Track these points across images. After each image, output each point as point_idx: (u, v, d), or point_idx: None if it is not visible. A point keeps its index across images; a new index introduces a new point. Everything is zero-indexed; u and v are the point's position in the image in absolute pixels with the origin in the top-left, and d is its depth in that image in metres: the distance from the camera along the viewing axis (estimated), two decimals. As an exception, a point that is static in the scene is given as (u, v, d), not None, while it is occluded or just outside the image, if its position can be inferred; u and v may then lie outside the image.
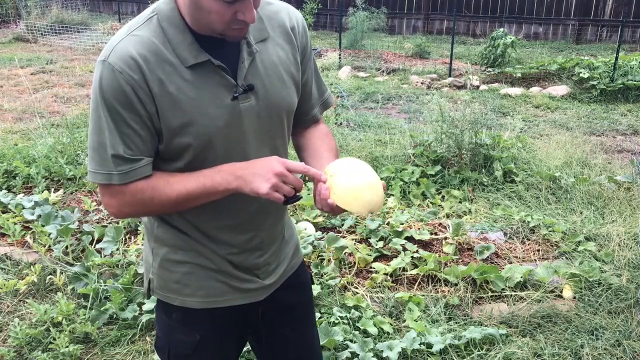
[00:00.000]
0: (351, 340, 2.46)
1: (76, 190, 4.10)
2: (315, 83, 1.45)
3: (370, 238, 3.33)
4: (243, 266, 1.36)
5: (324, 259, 3.11)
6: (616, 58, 7.46)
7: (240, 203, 1.29)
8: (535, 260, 3.25)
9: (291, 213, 3.63)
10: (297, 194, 1.21)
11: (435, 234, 3.48)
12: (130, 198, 1.21)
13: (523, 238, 3.48)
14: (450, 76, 8.35)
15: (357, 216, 3.53)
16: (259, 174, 1.17)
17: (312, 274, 2.96)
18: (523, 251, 3.35)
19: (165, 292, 1.36)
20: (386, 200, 3.85)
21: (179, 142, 1.20)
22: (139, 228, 3.44)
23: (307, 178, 1.71)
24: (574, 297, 2.87)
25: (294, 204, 1.44)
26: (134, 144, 1.17)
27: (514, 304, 2.81)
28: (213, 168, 1.21)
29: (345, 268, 3.09)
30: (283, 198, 1.18)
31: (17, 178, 4.15)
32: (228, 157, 1.22)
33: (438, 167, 4.31)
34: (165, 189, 1.21)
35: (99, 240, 3.28)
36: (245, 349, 2.32)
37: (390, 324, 2.63)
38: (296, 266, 1.51)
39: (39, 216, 3.49)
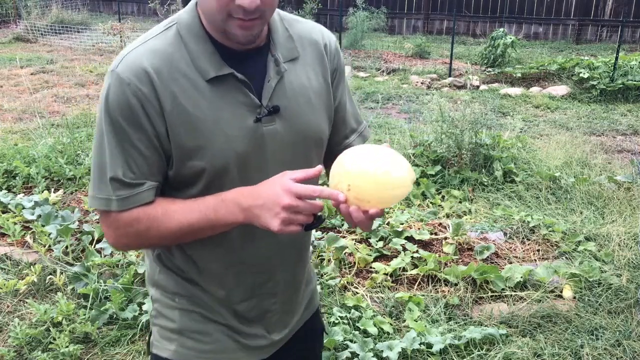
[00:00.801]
0: (351, 340, 2.46)
1: (76, 190, 4.10)
2: (350, 110, 1.31)
3: (370, 238, 3.33)
4: (250, 316, 1.21)
5: (324, 259, 3.11)
6: (616, 58, 7.46)
7: (251, 236, 1.14)
8: (535, 260, 3.25)
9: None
10: (319, 215, 1.04)
11: (435, 234, 3.48)
12: (125, 228, 1.06)
13: (523, 238, 3.48)
14: (450, 76, 8.35)
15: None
16: (267, 208, 1.00)
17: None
18: (523, 251, 3.35)
19: (162, 344, 1.21)
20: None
21: (192, 167, 1.06)
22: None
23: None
24: (574, 297, 2.87)
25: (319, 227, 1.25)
26: (136, 166, 1.04)
27: (514, 304, 2.81)
28: (217, 196, 1.05)
29: (345, 268, 3.09)
30: (300, 228, 1.01)
31: (17, 178, 4.15)
32: (247, 185, 1.07)
33: (438, 167, 4.31)
34: (164, 219, 1.06)
35: (99, 240, 3.28)
36: None
37: (390, 324, 2.63)
38: (310, 314, 1.35)
39: (39, 216, 3.49)
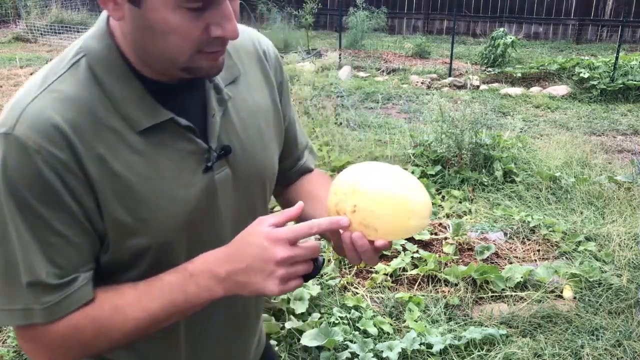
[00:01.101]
0: (351, 341, 2.46)
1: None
2: (298, 126, 1.13)
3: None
4: None
5: (324, 259, 3.11)
6: (616, 58, 7.45)
7: (207, 312, 0.90)
8: (536, 260, 3.24)
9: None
10: (318, 260, 0.86)
11: (436, 234, 3.47)
12: (60, 341, 0.80)
13: (523, 238, 3.47)
14: (450, 76, 8.35)
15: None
16: (255, 270, 0.79)
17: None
18: (523, 251, 3.34)
19: None
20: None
21: (133, 246, 0.82)
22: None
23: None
24: (574, 297, 2.87)
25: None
26: (62, 258, 0.78)
27: (514, 304, 2.81)
28: (179, 271, 0.82)
29: (345, 268, 3.09)
30: (301, 281, 0.83)
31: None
32: (199, 250, 0.85)
33: (438, 167, 4.31)
34: (115, 319, 0.81)
35: None
36: None
37: (390, 324, 2.62)
38: (260, 354, 1.17)
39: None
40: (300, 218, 0.87)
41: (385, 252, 3.21)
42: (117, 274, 0.86)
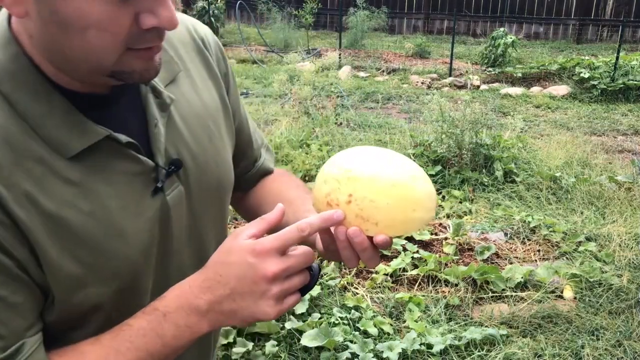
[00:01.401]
0: (351, 341, 2.45)
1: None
2: (251, 123, 0.99)
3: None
4: None
5: (323, 260, 3.10)
6: (617, 58, 7.45)
7: None
8: (536, 260, 3.24)
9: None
10: (313, 268, 0.74)
11: (436, 234, 3.47)
12: None
13: (524, 238, 3.47)
14: (450, 76, 8.34)
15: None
16: (244, 294, 0.66)
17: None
18: (523, 251, 3.34)
19: None
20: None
21: (83, 298, 0.68)
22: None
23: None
24: (575, 298, 2.87)
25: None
26: (3, 325, 0.63)
27: (514, 305, 2.81)
28: (149, 311, 0.69)
29: (345, 268, 3.09)
30: (300, 296, 0.72)
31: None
32: (159, 288, 0.73)
33: (438, 167, 4.30)
34: None
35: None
36: (244, 349, 2.31)
37: (391, 325, 2.62)
38: None
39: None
40: (277, 227, 0.73)
41: (384, 252, 3.21)
42: (71, 332, 0.70)
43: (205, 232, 0.83)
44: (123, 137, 0.69)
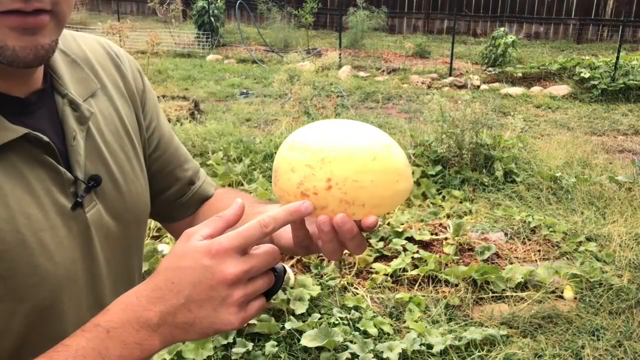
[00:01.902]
0: (351, 341, 2.45)
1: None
2: (181, 147, 0.93)
3: (370, 238, 3.32)
4: None
5: (323, 260, 3.10)
6: (617, 58, 7.45)
7: None
8: (536, 260, 3.24)
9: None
10: (277, 269, 0.64)
11: (436, 234, 3.47)
12: None
13: (524, 238, 3.47)
14: (450, 76, 8.34)
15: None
16: (201, 301, 0.57)
17: (313, 274, 2.96)
18: (524, 251, 3.34)
19: None
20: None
21: None
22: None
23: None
24: (575, 298, 2.86)
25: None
26: None
27: (514, 305, 2.80)
28: (90, 328, 0.58)
29: (345, 268, 3.08)
30: (264, 302, 0.63)
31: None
32: (79, 318, 0.64)
33: (438, 167, 4.30)
34: None
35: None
36: (243, 349, 2.31)
37: (391, 325, 2.62)
38: None
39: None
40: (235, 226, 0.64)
41: (385, 253, 3.20)
42: None
43: (123, 262, 0.76)
44: (44, 138, 0.63)
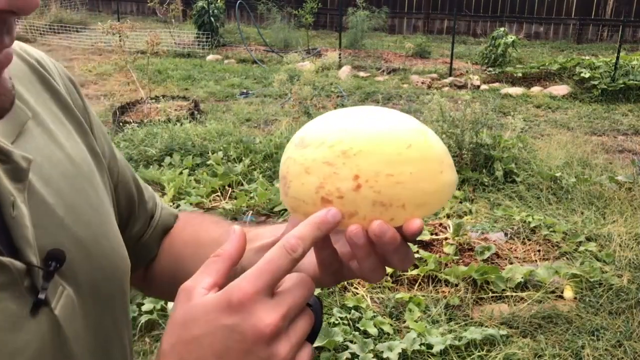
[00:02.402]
0: (351, 341, 2.45)
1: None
2: (130, 169, 0.73)
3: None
4: None
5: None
6: (617, 58, 7.44)
7: None
8: (536, 260, 3.24)
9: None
10: (311, 303, 0.51)
11: (436, 234, 3.47)
12: None
13: (524, 238, 3.47)
14: (450, 76, 8.34)
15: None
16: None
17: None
18: (524, 251, 3.33)
19: None
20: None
21: None
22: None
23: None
24: (575, 298, 2.86)
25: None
26: None
27: (514, 305, 2.80)
28: None
29: (345, 268, 3.08)
30: (311, 348, 0.48)
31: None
32: None
33: (438, 167, 4.30)
34: None
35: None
36: None
37: (391, 325, 2.62)
38: None
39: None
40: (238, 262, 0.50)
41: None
42: None
43: (111, 338, 0.59)
44: None
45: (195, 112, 5.85)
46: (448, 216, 3.77)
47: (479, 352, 2.46)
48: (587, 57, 8.53)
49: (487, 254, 3.20)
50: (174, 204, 3.79)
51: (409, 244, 0.52)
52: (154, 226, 0.74)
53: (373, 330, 2.53)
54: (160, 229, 0.75)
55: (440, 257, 3.12)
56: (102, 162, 0.64)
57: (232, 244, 0.49)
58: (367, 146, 0.48)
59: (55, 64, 0.63)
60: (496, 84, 7.92)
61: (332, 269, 0.54)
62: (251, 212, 3.76)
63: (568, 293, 2.88)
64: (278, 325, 0.44)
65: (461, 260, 3.19)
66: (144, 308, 2.64)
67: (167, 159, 4.44)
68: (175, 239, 0.75)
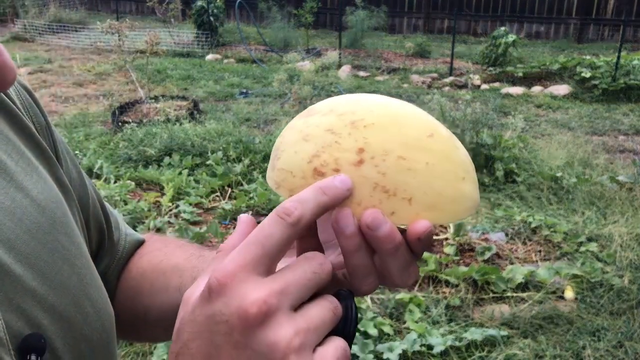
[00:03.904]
0: (351, 342, 2.44)
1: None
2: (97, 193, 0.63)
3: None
4: None
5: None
6: (618, 57, 7.43)
7: None
8: (537, 261, 3.22)
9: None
10: (341, 295, 0.40)
11: (436, 234, 3.45)
12: None
13: (524, 239, 3.45)
14: (451, 75, 8.33)
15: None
16: None
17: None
18: (524, 252, 3.32)
19: None
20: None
21: None
22: (136, 228, 3.42)
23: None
24: (576, 298, 2.85)
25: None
26: None
27: (515, 305, 2.79)
28: None
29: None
30: (343, 343, 0.38)
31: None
32: None
33: (439, 167, 4.29)
34: None
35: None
36: None
37: (391, 326, 2.60)
38: None
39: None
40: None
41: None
42: None
43: None
44: None
45: (195, 112, 5.83)
46: (448, 216, 3.76)
47: (479, 352, 2.44)
48: (588, 57, 8.52)
49: (487, 255, 3.19)
50: (173, 204, 3.78)
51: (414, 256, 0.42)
52: (120, 254, 0.64)
53: (373, 331, 2.52)
54: (123, 261, 0.65)
55: (440, 257, 3.11)
56: (72, 195, 0.54)
57: (238, 234, 0.41)
58: (382, 120, 0.40)
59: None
60: (497, 84, 7.90)
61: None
62: (251, 212, 3.75)
63: (569, 293, 2.87)
64: (268, 302, 0.34)
65: (462, 261, 3.18)
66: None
67: (167, 159, 4.43)
68: (132, 271, 0.64)
